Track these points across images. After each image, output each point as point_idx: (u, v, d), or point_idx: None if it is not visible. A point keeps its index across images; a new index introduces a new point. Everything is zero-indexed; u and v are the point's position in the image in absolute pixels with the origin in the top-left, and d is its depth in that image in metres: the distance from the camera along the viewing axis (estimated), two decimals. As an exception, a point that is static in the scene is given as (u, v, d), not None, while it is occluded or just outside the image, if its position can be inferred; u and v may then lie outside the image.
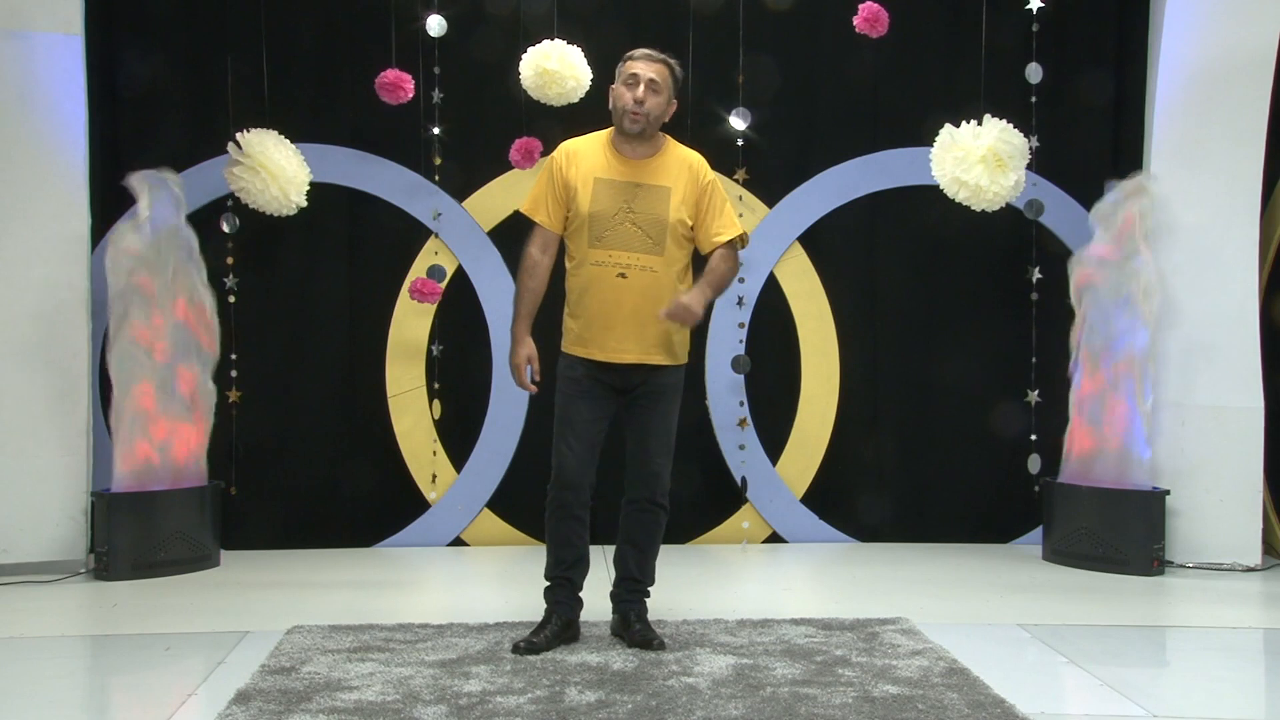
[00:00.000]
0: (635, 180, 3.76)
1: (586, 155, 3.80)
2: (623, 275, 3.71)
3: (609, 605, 3.97)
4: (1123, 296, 5.25)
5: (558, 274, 3.90)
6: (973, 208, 5.35)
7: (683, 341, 3.86)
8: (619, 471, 3.94)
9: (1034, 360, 5.82)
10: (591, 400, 3.77)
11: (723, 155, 5.79)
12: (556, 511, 3.78)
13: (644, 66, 3.76)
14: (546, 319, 3.92)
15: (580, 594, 3.87)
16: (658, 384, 3.80)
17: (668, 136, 3.87)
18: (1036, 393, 5.84)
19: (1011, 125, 5.32)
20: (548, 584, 3.86)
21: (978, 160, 5.19)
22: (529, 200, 3.86)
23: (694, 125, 5.64)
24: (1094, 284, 5.34)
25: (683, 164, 3.83)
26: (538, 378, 3.83)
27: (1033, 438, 5.83)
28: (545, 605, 3.86)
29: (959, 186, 5.27)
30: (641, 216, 3.73)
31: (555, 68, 5.12)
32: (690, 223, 3.80)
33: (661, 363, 3.79)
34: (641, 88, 3.72)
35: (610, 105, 3.82)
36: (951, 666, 3.57)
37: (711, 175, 3.90)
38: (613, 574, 3.96)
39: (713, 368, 5.89)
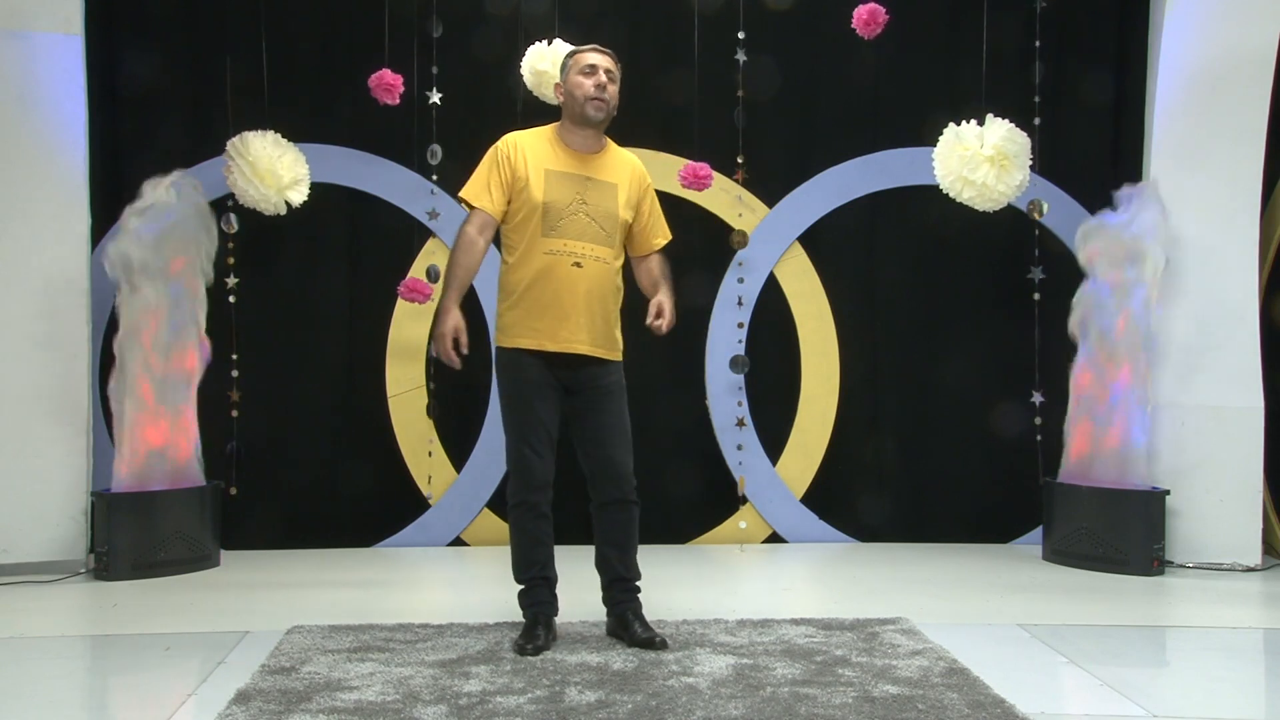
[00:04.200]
0: (586, 174, 3.80)
1: (533, 147, 3.81)
2: (578, 264, 3.73)
3: (602, 605, 3.94)
4: (1122, 296, 5.25)
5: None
6: (976, 208, 5.35)
7: (619, 337, 3.89)
8: (573, 469, 3.92)
9: (1036, 360, 5.82)
10: (545, 401, 3.76)
11: (723, 155, 5.81)
12: (528, 513, 3.77)
13: (599, 58, 3.81)
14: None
15: (556, 591, 3.87)
16: (606, 383, 3.82)
17: (608, 138, 3.91)
18: (1040, 392, 5.84)
19: (1013, 125, 5.32)
20: (523, 587, 3.84)
21: (985, 160, 5.19)
22: (470, 187, 3.82)
23: (691, 125, 5.64)
24: (1093, 283, 5.34)
25: (626, 165, 3.90)
26: (464, 350, 3.77)
27: (1038, 438, 5.83)
28: (525, 609, 3.83)
29: (964, 186, 5.26)
30: (594, 209, 3.77)
31: (547, 69, 5.14)
32: (629, 225, 3.88)
33: (606, 357, 3.82)
34: (602, 75, 3.77)
35: (561, 100, 3.86)
36: (951, 666, 3.57)
37: (650, 180, 3.98)
38: (595, 577, 3.93)
39: (712, 368, 5.89)
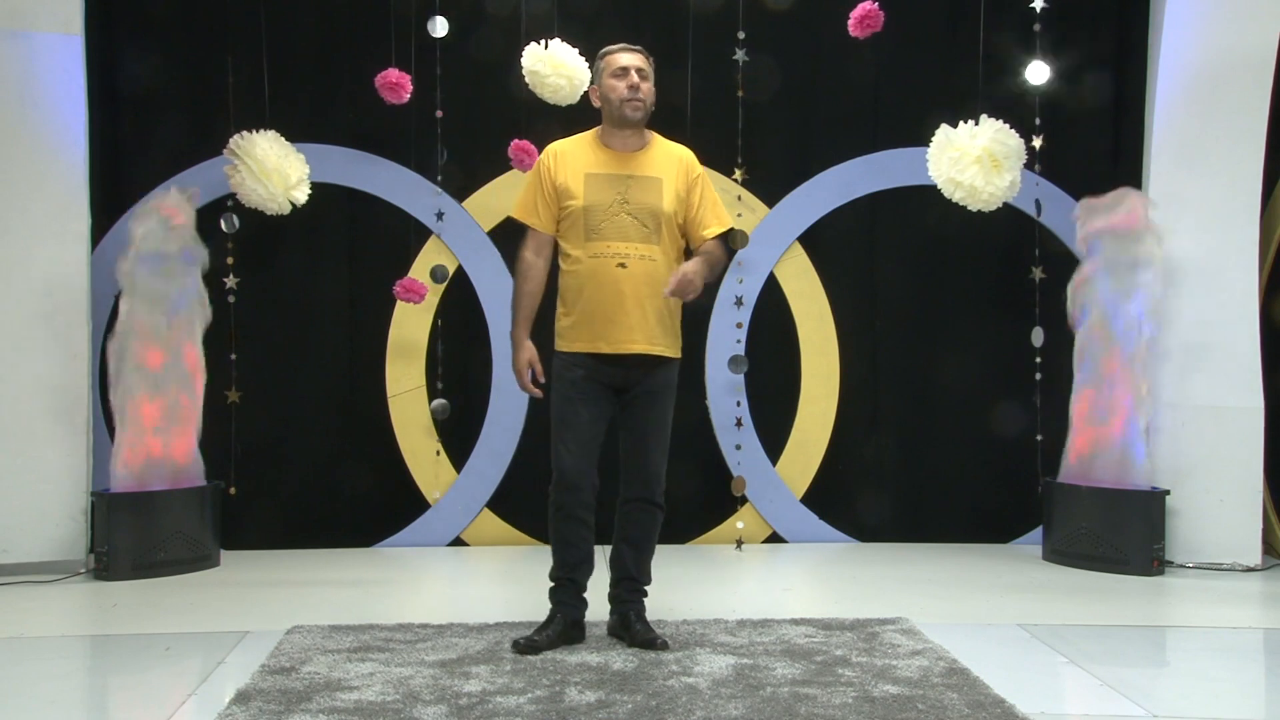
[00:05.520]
0: (627, 172, 3.79)
1: (574, 154, 3.83)
2: (623, 265, 3.72)
3: (606, 604, 3.95)
4: (1123, 297, 5.25)
5: (554, 276, 3.91)
6: (970, 208, 5.34)
7: (678, 332, 3.87)
8: (616, 471, 3.93)
9: (1038, 360, 5.82)
10: (590, 402, 3.77)
11: (722, 155, 5.81)
12: (558, 513, 3.78)
13: (628, 57, 3.81)
14: (543, 322, 3.92)
15: (585, 594, 3.87)
16: (656, 382, 3.81)
17: (654, 133, 3.91)
18: (1041, 392, 5.83)
19: (1008, 126, 5.31)
20: (552, 584, 3.86)
21: (973, 161, 5.19)
22: (519, 205, 3.87)
23: (692, 124, 5.64)
24: (1094, 284, 5.34)
25: (672, 157, 3.87)
26: (541, 379, 3.84)
27: (1038, 438, 5.82)
28: (550, 605, 3.86)
29: (955, 187, 5.27)
30: (636, 207, 3.75)
31: (539, 69, 5.13)
32: (681, 216, 3.84)
33: (664, 353, 3.80)
34: (634, 75, 3.77)
35: (598, 104, 3.86)
36: (951, 666, 3.57)
37: (701, 169, 3.92)
38: (609, 574, 3.95)
39: (712, 368, 5.89)
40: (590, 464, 3.77)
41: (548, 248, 3.84)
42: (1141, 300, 5.24)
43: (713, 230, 3.86)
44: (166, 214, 5.13)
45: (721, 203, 3.95)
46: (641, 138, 3.84)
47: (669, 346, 3.82)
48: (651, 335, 3.77)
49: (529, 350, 3.80)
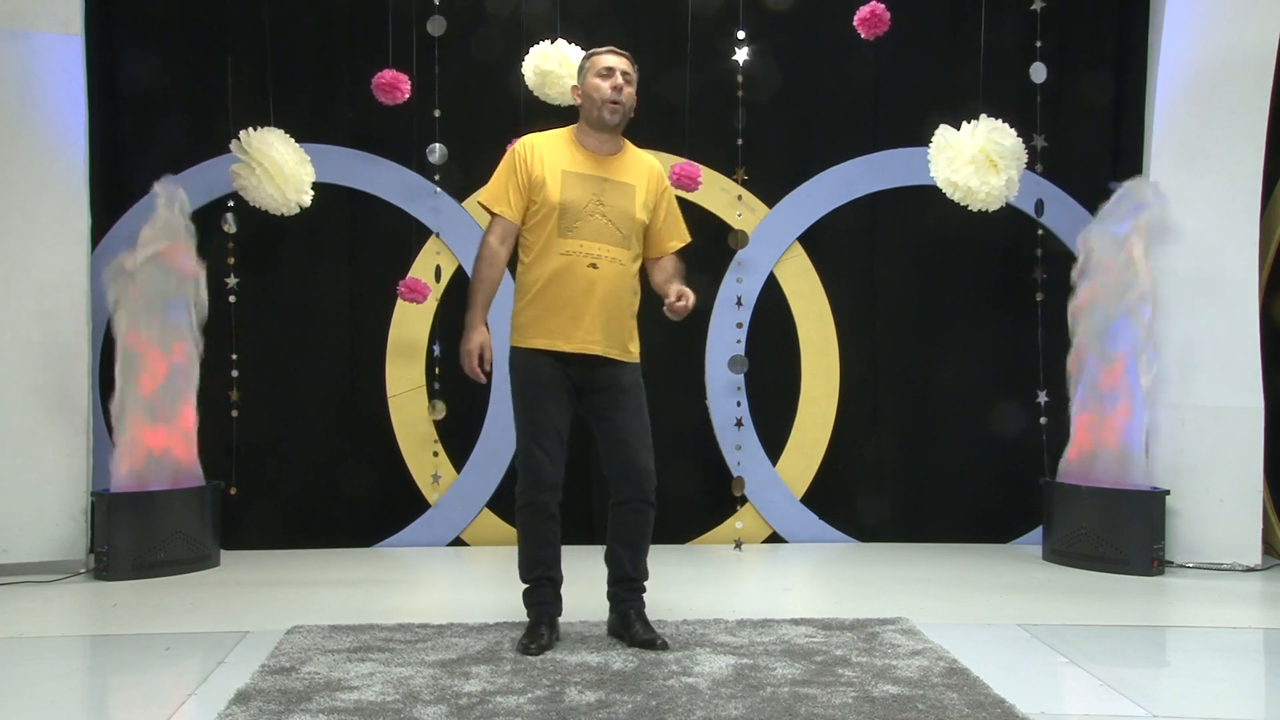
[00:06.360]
0: (603, 175, 3.79)
1: (550, 149, 3.82)
2: (594, 265, 3.72)
3: (606, 604, 3.95)
4: (1122, 297, 5.25)
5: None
6: (970, 207, 5.35)
7: (635, 337, 3.88)
8: (574, 468, 3.90)
9: (1040, 360, 5.81)
10: (558, 399, 3.76)
11: (722, 155, 5.81)
12: (535, 514, 3.76)
13: (615, 60, 3.81)
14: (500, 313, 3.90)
15: (560, 592, 3.87)
16: (622, 382, 3.81)
17: (626, 139, 3.91)
18: (1045, 392, 5.83)
19: (1008, 125, 5.31)
20: (527, 586, 3.84)
21: (967, 161, 5.19)
22: (488, 192, 3.84)
23: (691, 125, 5.64)
24: (1092, 285, 5.34)
25: (644, 166, 3.89)
26: (488, 367, 3.81)
27: (1043, 438, 5.82)
28: (529, 608, 3.83)
29: (953, 187, 5.28)
30: (611, 210, 3.76)
31: (553, 68, 5.13)
32: (646, 225, 3.86)
33: (620, 358, 3.80)
34: (619, 77, 3.77)
35: (578, 102, 3.86)
36: (951, 666, 3.57)
37: (668, 183, 3.97)
38: (596, 577, 3.93)
39: (712, 368, 5.89)
40: (563, 463, 3.78)
41: (512, 237, 3.82)
42: (1140, 300, 5.23)
43: (674, 244, 3.94)
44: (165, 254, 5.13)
45: (682, 218, 4.00)
46: (616, 143, 3.85)
47: (626, 353, 3.82)
48: (611, 339, 3.77)
49: (482, 334, 3.76)
